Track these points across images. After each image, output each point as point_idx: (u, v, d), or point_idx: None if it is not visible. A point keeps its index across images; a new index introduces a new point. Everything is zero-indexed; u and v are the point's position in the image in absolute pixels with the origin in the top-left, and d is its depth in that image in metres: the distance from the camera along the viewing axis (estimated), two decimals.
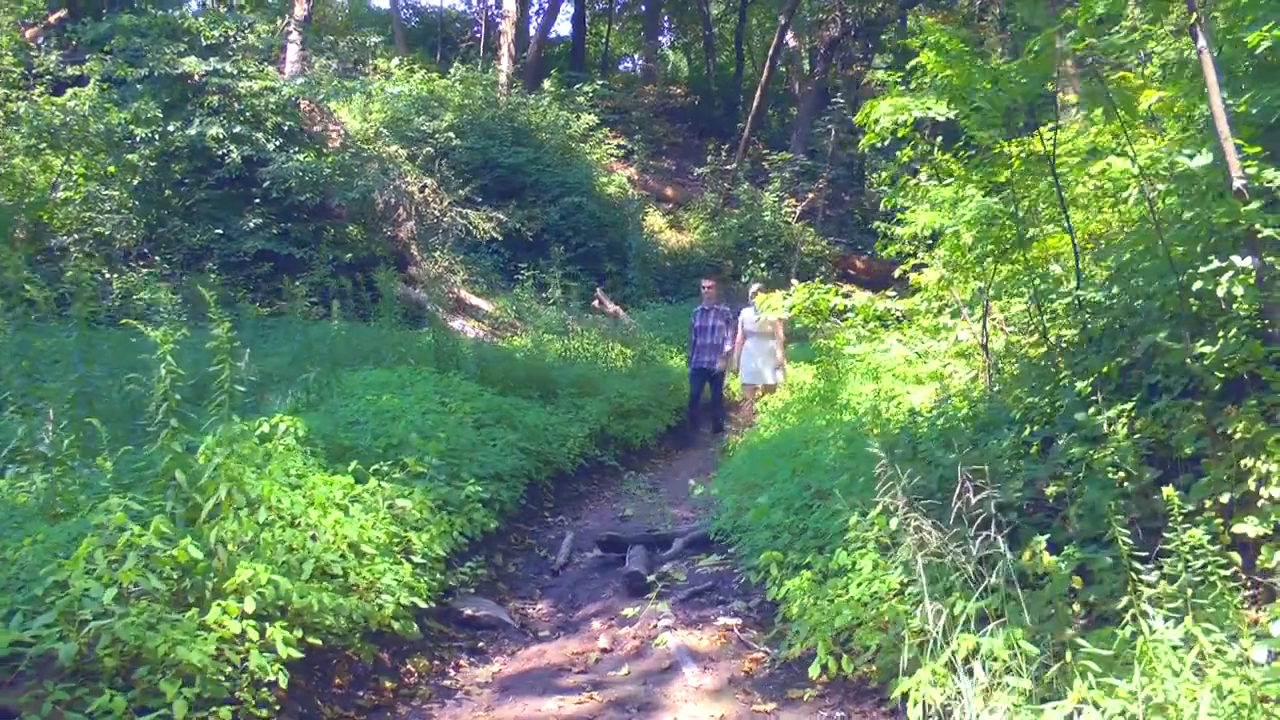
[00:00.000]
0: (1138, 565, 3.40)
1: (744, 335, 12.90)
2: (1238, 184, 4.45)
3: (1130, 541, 3.49)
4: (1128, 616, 3.39)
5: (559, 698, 5.17)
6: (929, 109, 7.15)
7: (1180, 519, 3.45)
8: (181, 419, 4.78)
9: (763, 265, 22.81)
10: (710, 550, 7.58)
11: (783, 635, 5.29)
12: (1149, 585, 3.43)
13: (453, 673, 5.69)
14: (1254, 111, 5.04)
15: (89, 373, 6.42)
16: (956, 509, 4.22)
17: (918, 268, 9.36)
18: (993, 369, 7.84)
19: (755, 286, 13.31)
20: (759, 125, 27.53)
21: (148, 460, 5.12)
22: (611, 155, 25.77)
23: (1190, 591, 3.39)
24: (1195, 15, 4.47)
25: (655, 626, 6.14)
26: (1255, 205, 4.41)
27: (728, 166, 25.76)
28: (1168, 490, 3.56)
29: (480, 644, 6.13)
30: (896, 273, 9.92)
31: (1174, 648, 3.32)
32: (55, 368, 6.78)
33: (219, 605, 4.25)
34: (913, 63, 7.59)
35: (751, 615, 6.22)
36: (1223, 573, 3.38)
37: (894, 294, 10.00)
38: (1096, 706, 3.20)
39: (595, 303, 19.50)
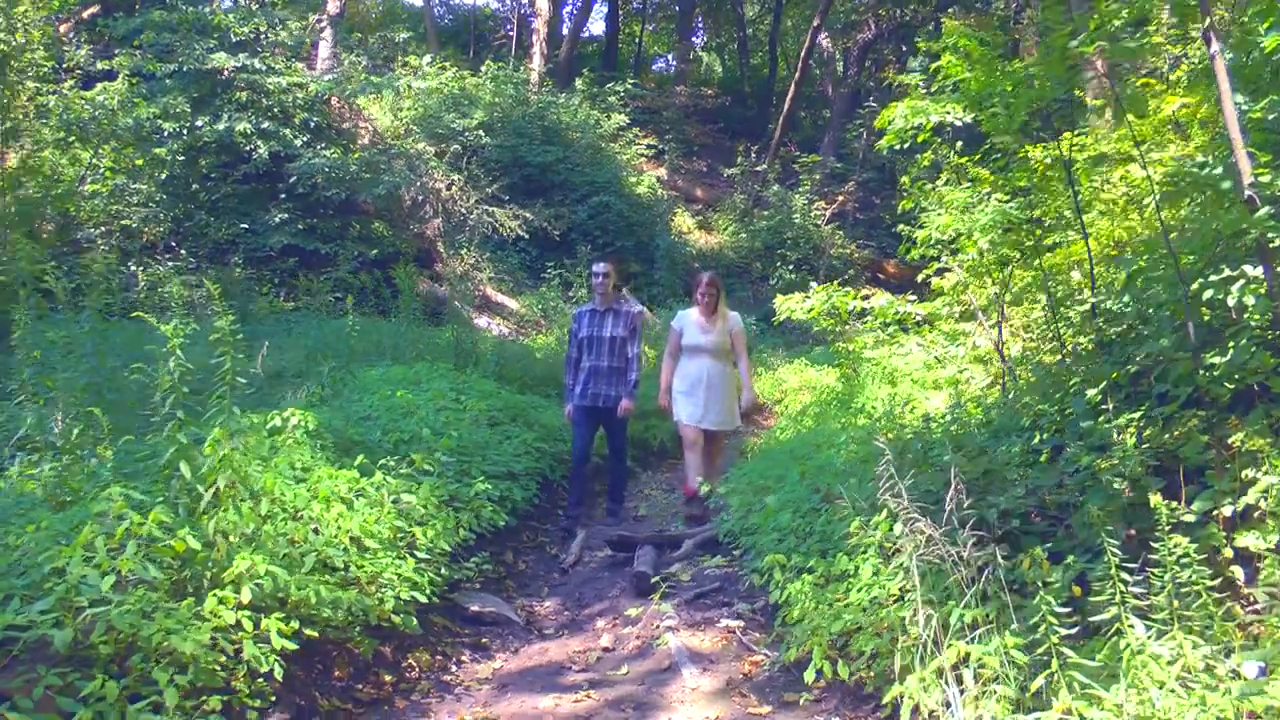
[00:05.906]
0: (1125, 576, 3.35)
1: (680, 351, 8.98)
2: (1248, 191, 4.38)
3: (1121, 552, 3.44)
4: (1114, 628, 3.35)
5: (556, 695, 5.17)
6: (946, 113, 7.11)
7: (1168, 530, 3.40)
8: (188, 411, 4.82)
9: (791, 268, 22.73)
10: (720, 552, 7.55)
11: (783, 638, 5.26)
12: (1137, 596, 3.38)
13: (454, 668, 5.69)
14: (1270, 118, 4.96)
15: (100, 363, 6.48)
16: (958, 516, 4.18)
17: (940, 272, 9.30)
18: (1009, 375, 7.78)
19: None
20: (791, 127, 27.47)
21: (152, 450, 5.16)
22: (642, 155, 25.76)
23: (1176, 603, 3.33)
24: (1208, 20, 4.41)
25: (658, 627, 6.11)
26: (1265, 213, 4.34)
27: (758, 168, 25.70)
28: (1155, 499, 3.51)
29: (484, 640, 6.13)
30: (920, 276, 9.87)
31: (1167, 662, 3.27)
32: (69, 358, 6.86)
33: (215, 595, 4.27)
34: (934, 65, 7.55)
35: (755, 618, 6.18)
36: (1207, 583, 3.32)
37: (914, 298, 9.94)
38: (1082, 717, 3.16)
39: None
